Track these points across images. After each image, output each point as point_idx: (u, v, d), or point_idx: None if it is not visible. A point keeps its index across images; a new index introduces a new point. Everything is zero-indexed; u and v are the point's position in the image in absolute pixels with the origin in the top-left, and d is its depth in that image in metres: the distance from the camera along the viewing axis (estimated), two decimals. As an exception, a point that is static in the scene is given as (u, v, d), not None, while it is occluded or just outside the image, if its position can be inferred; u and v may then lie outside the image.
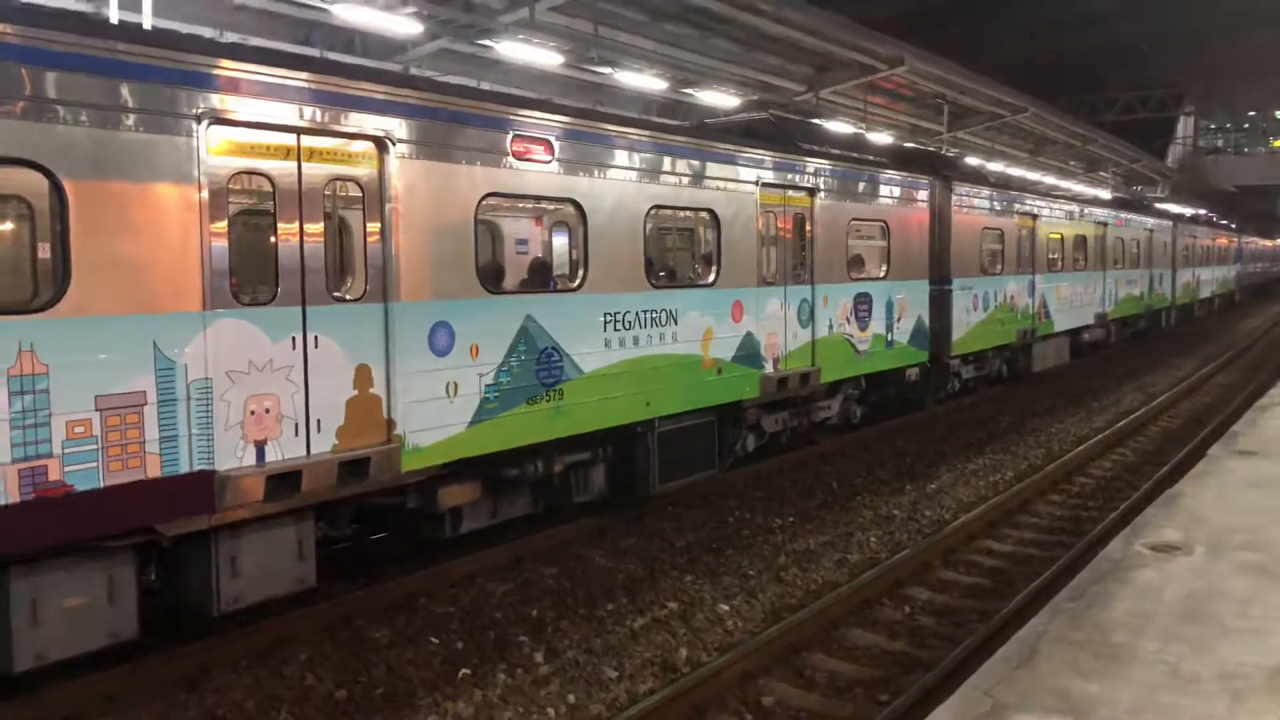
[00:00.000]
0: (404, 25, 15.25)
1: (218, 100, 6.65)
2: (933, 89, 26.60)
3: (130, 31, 7.17)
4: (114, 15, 11.47)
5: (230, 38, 14.46)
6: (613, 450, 10.35)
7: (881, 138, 24.15)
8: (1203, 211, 49.28)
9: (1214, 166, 60.34)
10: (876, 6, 21.06)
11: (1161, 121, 49.13)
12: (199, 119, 6.52)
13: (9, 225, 6.54)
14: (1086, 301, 24.14)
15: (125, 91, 6.21)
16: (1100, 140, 39.53)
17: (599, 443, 10.06)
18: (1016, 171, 34.08)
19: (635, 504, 10.81)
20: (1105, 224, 25.59)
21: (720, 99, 22.05)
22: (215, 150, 6.66)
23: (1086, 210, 24.73)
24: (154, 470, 6.28)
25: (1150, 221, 31.03)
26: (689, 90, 21.76)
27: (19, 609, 5.98)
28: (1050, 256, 21.71)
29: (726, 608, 8.38)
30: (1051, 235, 21.75)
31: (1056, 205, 22.65)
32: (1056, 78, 38.14)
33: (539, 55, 17.20)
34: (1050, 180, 36.98)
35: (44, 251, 6.13)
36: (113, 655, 6.65)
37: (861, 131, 23.42)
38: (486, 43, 17.19)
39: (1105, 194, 38.72)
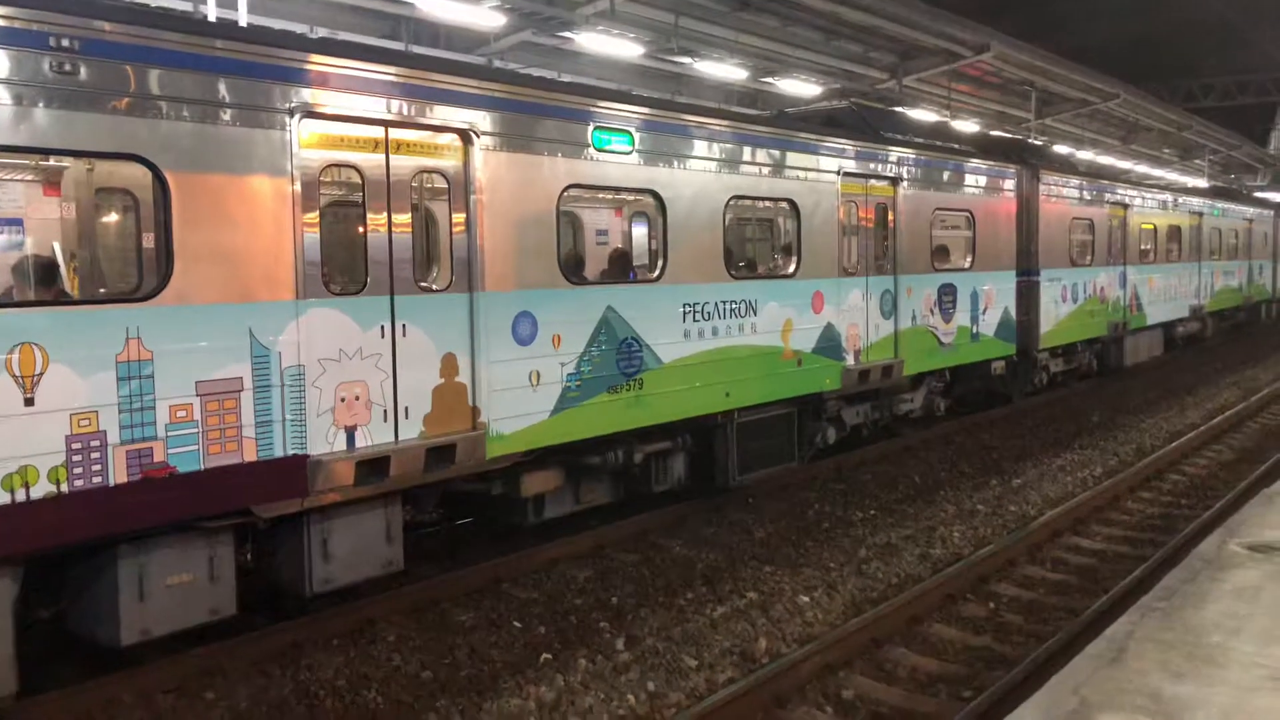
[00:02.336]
0: (487, 18, 15.42)
1: (309, 95, 6.85)
2: (1020, 75, 25.94)
3: (227, 29, 7.43)
4: (212, 13, 11.81)
5: (320, 32, 14.81)
6: (692, 440, 10.42)
7: (967, 126, 23.67)
8: (1306, 200, 47.23)
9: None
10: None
11: (1262, 107, 47.15)
12: (291, 113, 6.73)
13: (117, 217, 6.83)
14: (1181, 294, 23.49)
15: (223, 87, 6.43)
16: (1196, 126, 38.14)
17: (678, 432, 10.13)
18: (1107, 160, 33.10)
19: (714, 494, 10.82)
20: (1201, 213, 24.83)
21: (801, 87, 21.85)
22: (307, 143, 6.86)
23: (1181, 199, 24.02)
24: (250, 454, 6.52)
25: (1250, 211, 30.06)
26: (769, 79, 21.60)
27: (126, 586, 6.28)
28: (1142, 247, 21.17)
29: (806, 599, 8.36)
30: (1144, 225, 21.20)
31: (1149, 194, 22.04)
32: (1150, 62, 36.87)
33: (619, 46, 17.25)
34: (1143, 169, 35.82)
35: (149, 242, 6.40)
36: (210, 633, 6.93)
37: (945, 119, 22.99)
38: (567, 34, 17.30)
39: (1202, 182, 37.39)
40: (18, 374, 5.54)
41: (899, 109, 21.69)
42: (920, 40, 21.52)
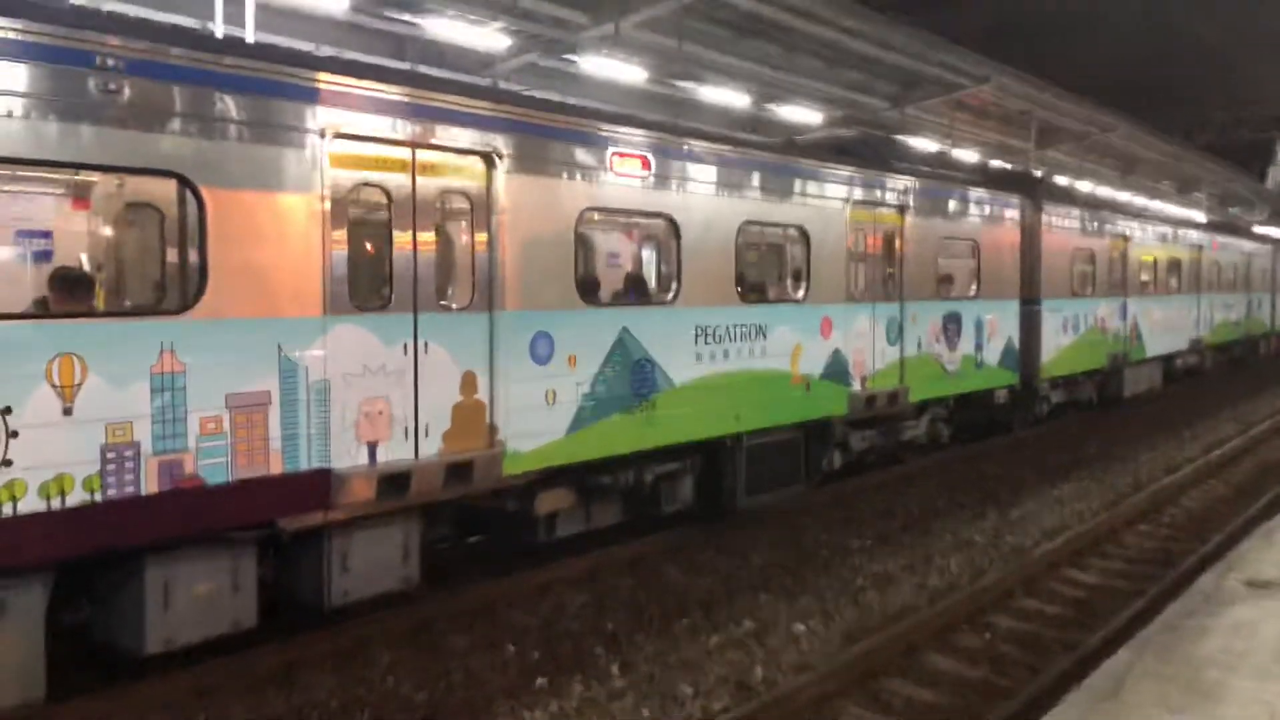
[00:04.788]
0: (492, 40, 15.56)
1: (340, 116, 7.01)
2: (1020, 106, 26.19)
3: (263, 50, 7.60)
4: (219, 30, 11.89)
5: (326, 51, 14.90)
6: (701, 462, 10.45)
7: (968, 155, 23.83)
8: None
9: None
10: (964, 19, 20.76)
11: (1260, 142, 47.44)
12: (322, 133, 6.88)
13: (154, 232, 6.98)
14: (1181, 326, 23.53)
15: (259, 107, 6.61)
16: (1194, 160, 38.40)
17: (688, 454, 10.18)
18: (1105, 191, 33.28)
19: (721, 517, 10.84)
20: (1201, 246, 24.96)
21: (803, 114, 21.99)
22: (337, 163, 7.01)
23: (1181, 232, 24.14)
24: (276, 467, 6.63)
25: (1248, 245, 30.19)
26: (771, 105, 21.75)
27: (152, 594, 6.33)
28: (1143, 279, 21.25)
29: (803, 628, 8.32)
30: (1144, 257, 21.31)
31: (1149, 227, 22.14)
32: (1149, 96, 37.12)
33: (623, 70, 17.37)
34: (1141, 201, 36.01)
35: (185, 257, 6.53)
36: (209, 649, 6.87)
37: (947, 149, 23.14)
38: (572, 58, 17.43)
39: (1200, 216, 37.58)
40: (58, 384, 5.68)
41: (906, 139, 21.82)
42: (922, 70, 21.73)
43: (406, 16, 14.93)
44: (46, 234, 7.83)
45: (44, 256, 7.74)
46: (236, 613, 6.74)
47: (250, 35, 12.28)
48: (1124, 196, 34.56)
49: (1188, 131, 41.19)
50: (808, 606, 8.83)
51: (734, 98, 20.22)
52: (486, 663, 7.48)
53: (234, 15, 12.32)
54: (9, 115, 5.53)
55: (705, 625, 8.31)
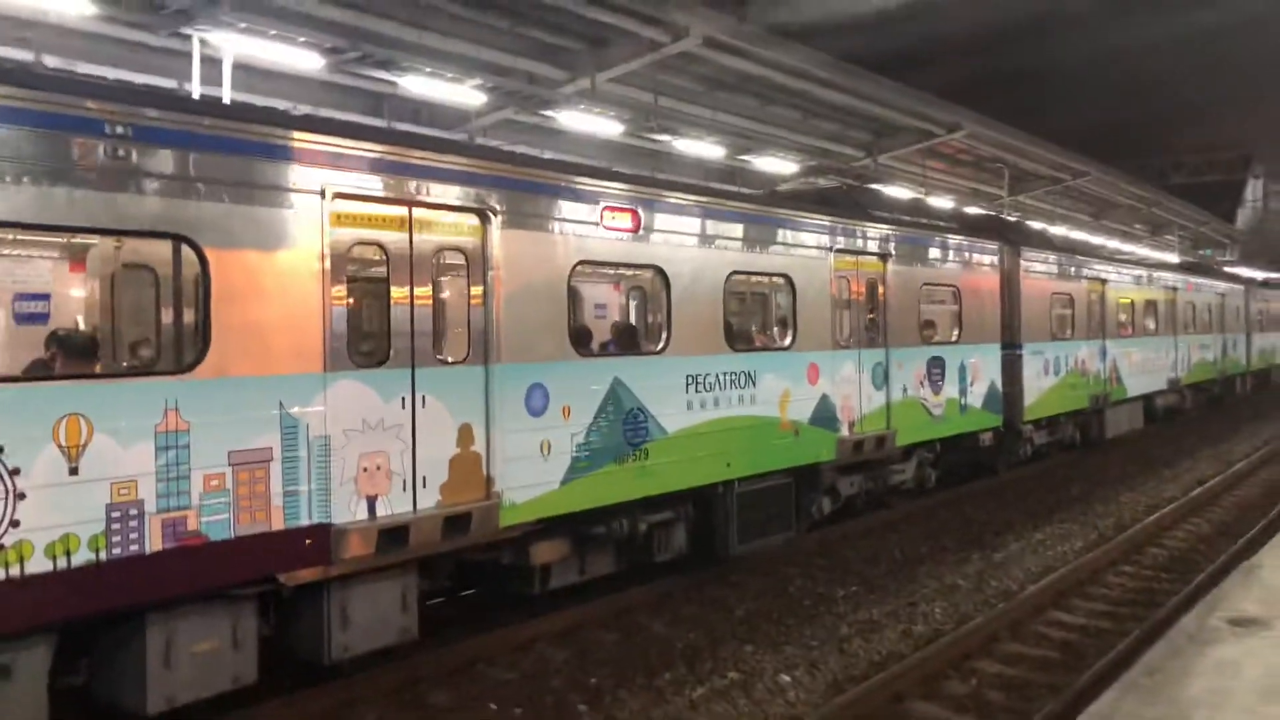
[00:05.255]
0: (469, 96, 15.70)
1: (339, 176, 7.15)
2: (992, 153, 26.60)
3: (265, 114, 7.79)
4: (196, 91, 11.98)
5: (303, 109, 15.01)
6: (694, 510, 10.49)
7: (941, 202, 24.13)
8: (1276, 275, 48.12)
9: (1286, 229, 58.94)
10: (934, 76, 21.16)
11: (1229, 184, 48.28)
12: (323, 193, 7.01)
13: (156, 293, 7.07)
14: (1159, 367, 23.88)
15: (259, 169, 6.76)
16: (1165, 203, 39.00)
17: (680, 502, 10.22)
18: (1079, 235, 33.73)
19: (714, 564, 10.86)
20: (1176, 288, 25.43)
21: (778, 165, 22.24)
22: (336, 222, 7.13)
23: (1156, 275, 24.62)
24: (278, 522, 6.68)
25: (1222, 286, 30.67)
26: (746, 157, 22.00)
27: (153, 653, 6.31)
28: (1121, 321, 21.58)
29: (788, 679, 8.23)
30: (1121, 300, 21.65)
31: (1125, 270, 22.56)
32: (1120, 140, 37.75)
33: (599, 124, 17.56)
34: (1114, 244, 36.51)
35: (187, 317, 6.66)
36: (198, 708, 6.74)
37: (923, 196, 23.43)
38: (548, 113, 17.60)
39: (1173, 258, 38.10)
40: (64, 444, 5.72)
41: (884, 188, 22.12)
42: (895, 119, 22.06)
43: (383, 74, 15.07)
44: (45, 296, 7.89)
45: (43, 319, 7.78)
46: (237, 669, 6.72)
47: (227, 95, 12.38)
48: (1099, 240, 35.03)
49: (1160, 173, 41.89)
50: (793, 656, 8.75)
51: (709, 149, 20.44)
52: (468, 721, 7.36)
53: (210, 75, 12.42)
54: (20, 181, 5.64)
55: (689, 678, 8.21)
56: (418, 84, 14.89)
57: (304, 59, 13.15)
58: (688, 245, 10.10)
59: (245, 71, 13.61)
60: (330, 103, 15.93)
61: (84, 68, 12.24)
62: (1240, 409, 30.63)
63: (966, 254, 15.26)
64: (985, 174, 29.08)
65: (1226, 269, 38.85)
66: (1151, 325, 23.51)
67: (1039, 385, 17.38)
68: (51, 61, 12.21)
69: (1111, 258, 24.60)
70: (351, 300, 7.42)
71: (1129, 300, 22.14)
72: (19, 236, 6.74)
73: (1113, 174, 32.59)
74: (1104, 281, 20.57)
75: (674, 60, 16.58)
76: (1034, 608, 10.09)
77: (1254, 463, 19.69)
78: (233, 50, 12.33)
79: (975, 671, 8.51)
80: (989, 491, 16.40)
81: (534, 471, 8.36)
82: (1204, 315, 27.77)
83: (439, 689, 7.92)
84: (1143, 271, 23.94)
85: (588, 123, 17.40)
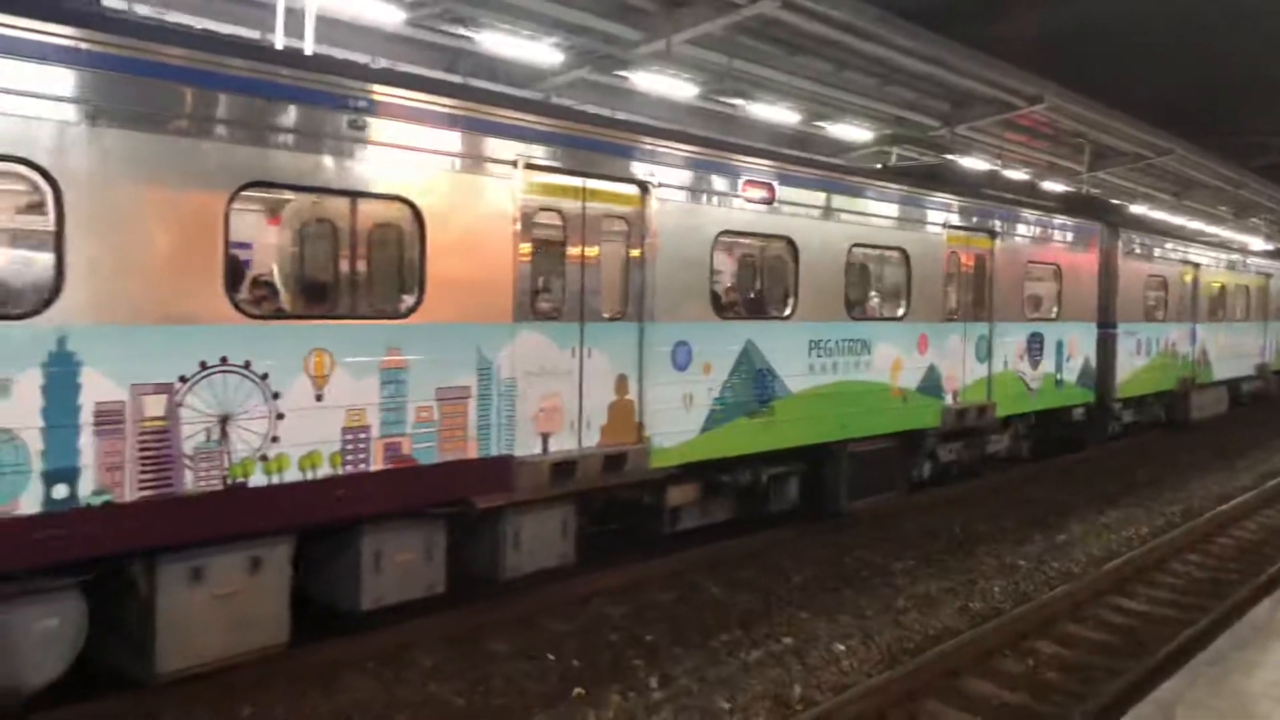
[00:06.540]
0: (545, 55, 15.71)
1: (529, 149, 8.05)
2: (1073, 127, 25.83)
3: (473, 92, 8.84)
4: (279, 42, 12.13)
5: (382, 63, 15.12)
6: (807, 466, 11.21)
7: (1017, 175, 23.64)
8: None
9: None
10: (1005, 28, 20.53)
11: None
12: (515, 164, 7.91)
13: (388, 249, 7.94)
14: (1247, 352, 24.03)
15: (469, 141, 7.67)
16: (1253, 185, 37.65)
17: (798, 458, 10.98)
18: (1159, 215, 32.82)
19: (825, 518, 11.59)
20: (1269, 275, 25.53)
21: (853, 132, 21.92)
22: (526, 190, 8.03)
23: (1249, 260, 24.86)
24: (472, 452, 7.70)
25: None
26: (821, 123, 21.71)
27: (367, 559, 7.26)
28: (1211, 305, 21.74)
29: (842, 647, 8.27)
30: (1213, 284, 21.83)
31: (1219, 255, 22.76)
32: (1201, 117, 36.44)
33: (674, 86, 17.45)
34: (1211, 229, 35.49)
35: (409, 269, 7.55)
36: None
37: (998, 169, 22.96)
38: (623, 73, 17.53)
39: (1260, 243, 36.97)
40: (312, 374, 6.72)
41: (960, 159, 21.72)
42: (974, 89, 21.54)
43: (461, 30, 15.11)
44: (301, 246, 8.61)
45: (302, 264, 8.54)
46: (430, 578, 7.66)
47: (309, 47, 12.51)
48: (1194, 225, 34.20)
49: (1243, 153, 40.35)
50: (848, 625, 8.77)
51: (784, 115, 20.21)
52: (525, 671, 7.53)
53: (292, 27, 12.55)
54: (288, 148, 6.63)
55: (744, 641, 8.29)
56: (495, 41, 14.92)
57: (385, 12, 13.24)
58: (815, 218, 10.83)
59: (326, 24, 13.74)
60: (407, 57, 15.99)
61: (173, 17, 12.44)
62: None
63: (1068, 234, 15.80)
64: (1065, 148, 28.30)
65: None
66: (1241, 310, 23.64)
67: (1131, 365, 17.85)
68: (142, 10, 12.44)
69: (1206, 242, 24.59)
70: (534, 260, 8.24)
71: (1220, 284, 22.27)
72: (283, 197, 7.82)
73: (1199, 153, 31.49)
74: (1197, 265, 20.78)
75: (750, 22, 16.37)
76: (1095, 591, 9.97)
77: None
78: (316, 2, 12.44)
79: (1033, 651, 8.46)
80: (1053, 473, 16.21)
81: (677, 420, 9.28)
82: None
83: (498, 637, 8.10)
84: (1235, 256, 24.14)
85: (662, 84, 17.31)
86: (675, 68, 17.16)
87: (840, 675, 7.75)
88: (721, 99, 19.30)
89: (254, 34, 13.27)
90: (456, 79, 16.13)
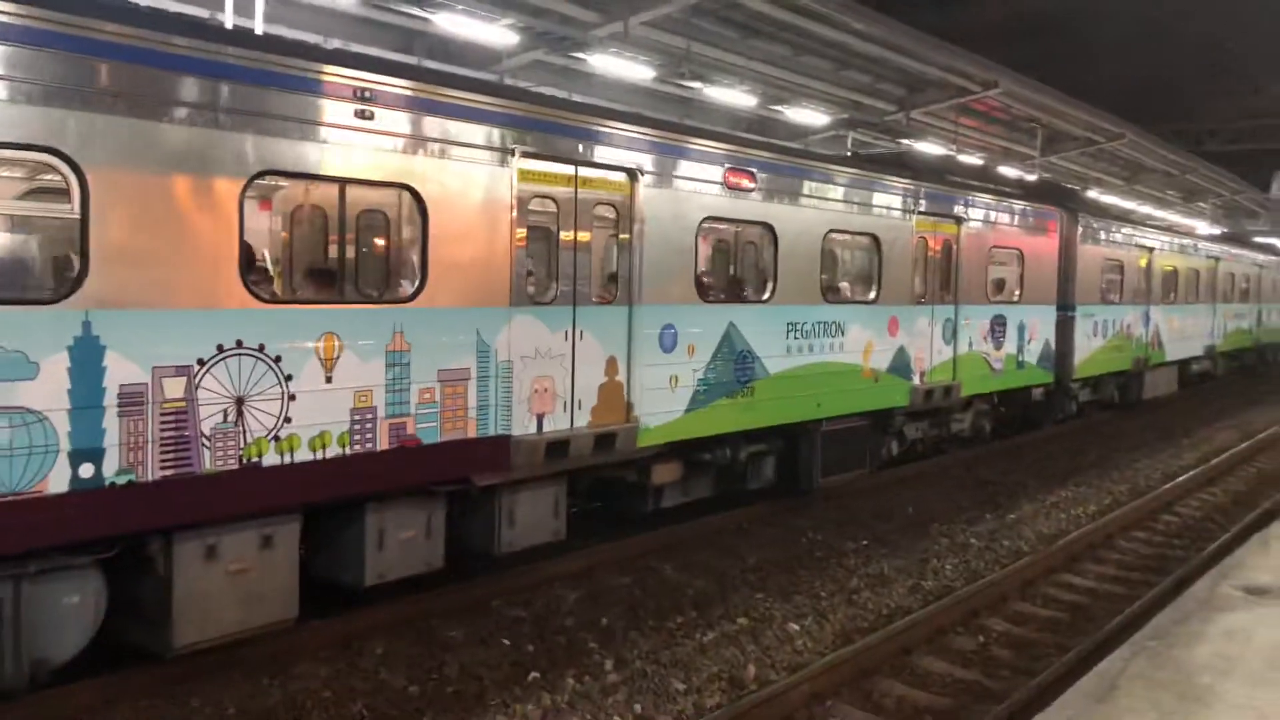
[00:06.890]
0: (501, 36, 15.55)
1: (525, 136, 8.23)
2: (1027, 112, 26.06)
3: (474, 83, 8.96)
4: (229, 21, 11.90)
5: (334, 43, 14.90)
6: (783, 445, 11.57)
7: (973, 160, 23.83)
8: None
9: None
10: (967, 13, 20.78)
11: (1268, 153, 47.31)
12: (512, 152, 8.10)
13: (390, 235, 8.23)
14: (1197, 333, 24.71)
15: (470, 130, 7.83)
16: (1201, 170, 38.26)
17: (774, 437, 11.32)
18: (1110, 199, 33.29)
19: (798, 495, 11.97)
20: (1217, 259, 26.14)
21: (810, 116, 21.96)
22: (522, 178, 8.22)
23: (1200, 245, 25.49)
24: (472, 432, 7.93)
25: (1261, 257, 31.47)
26: (778, 107, 21.71)
27: (371, 536, 7.48)
28: (1165, 288, 22.31)
29: (796, 627, 8.34)
30: (1166, 268, 22.39)
31: (1171, 239, 23.33)
32: (1154, 103, 36.96)
33: (631, 69, 17.36)
34: (1145, 210, 36.03)
35: (411, 254, 7.76)
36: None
37: (952, 154, 23.12)
38: (580, 55, 17.41)
39: (1205, 226, 37.66)
40: (322, 357, 6.92)
41: (915, 144, 21.85)
42: (929, 74, 21.64)
43: (416, 10, 14.91)
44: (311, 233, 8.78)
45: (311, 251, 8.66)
46: (428, 555, 7.90)
47: (259, 27, 12.28)
48: (1144, 209, 34.76)
49: (1195, 139, 40.98)
50: (802, 605, 8.85)
51: (740, 98, 20.19)
52: (480, 656, 7.50)
53: (242, 5, 12.31)
54: (294, 139, 6.76)
55: (700, 622, 8.33)
56: (450, 21, 14.75)
57: (339, -9, 13.00)
58: (794, 204, 11.12)
59: (280, 3, 13.51)
60: (363, 38, 15.78)
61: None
62: (1271, 378, 30.74)
63: (1030, 219, 16.24)
64: (1018, 133, 28.56)
65: (1264, 239, 38.50)
66: (1192, 293, 24.23)
67: (1088, 346, 18.31)
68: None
69: (1158, 227, 25.21)
70: (530, 246, 8.48)
71: (1173, 268, 22.85)
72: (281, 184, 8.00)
73: (1149, 138, 31.95)
74: (1151, 250, 21.28)
75: (708, 4, 16.32)
76: (1045, 569, 10.14)
77: (1276, 434, 19.57)
78: (267, -20, 12.21)
79: (984, 629, 8.59)
80: (1003, 454, 16.43)
81: (664, 400, 9.55)
82: (1242, 285, 28.59)
83: (452, 623, 8.06)
84: (1187, 241, 24.74)
85: (619, 67, 17.21)
86: (633, 50, 17.06)
87: (794, 655, 7.83)
88: (680, 82, 19.23)
89: (203, 13, 13.02)
90: (412, 60, 15.95)
